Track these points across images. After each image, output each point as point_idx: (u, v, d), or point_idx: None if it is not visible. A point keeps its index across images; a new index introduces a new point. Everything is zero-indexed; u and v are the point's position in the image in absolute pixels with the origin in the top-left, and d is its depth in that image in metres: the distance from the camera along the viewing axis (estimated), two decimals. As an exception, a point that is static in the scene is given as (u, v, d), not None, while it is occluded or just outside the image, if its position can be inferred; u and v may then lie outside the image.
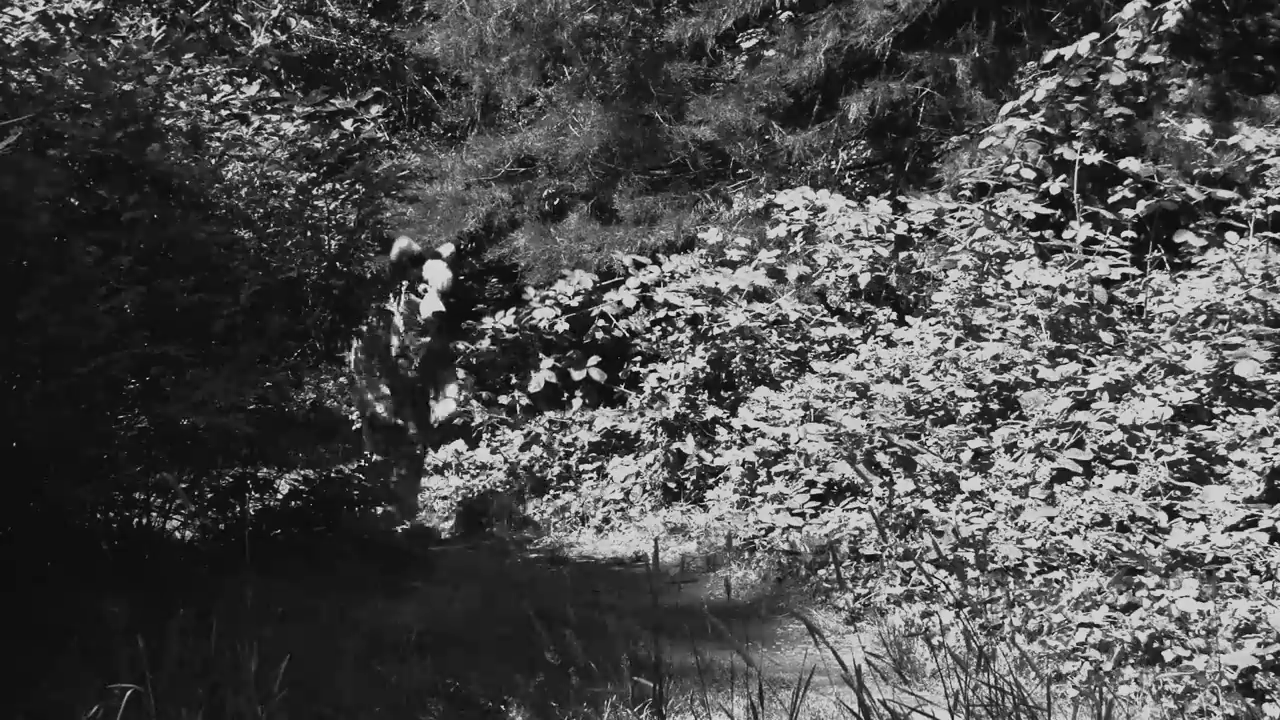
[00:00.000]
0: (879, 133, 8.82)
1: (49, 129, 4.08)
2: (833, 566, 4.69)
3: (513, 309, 7.78)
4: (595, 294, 7.54)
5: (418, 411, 6.43)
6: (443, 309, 6.22)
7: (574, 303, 7.30)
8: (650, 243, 8.05)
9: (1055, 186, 6.26)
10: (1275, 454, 4.33)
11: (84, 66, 4.26)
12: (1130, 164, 6.04)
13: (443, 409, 6.53)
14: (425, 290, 6.19)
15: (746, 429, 5.95)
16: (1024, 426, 5.01)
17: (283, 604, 3.88)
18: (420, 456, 6.64)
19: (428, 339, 6.32)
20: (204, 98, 4.92)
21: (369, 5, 12.73)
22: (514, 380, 7.64)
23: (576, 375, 7.15)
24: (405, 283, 6.19)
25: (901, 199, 7.09)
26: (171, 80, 4.72)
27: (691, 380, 6.44)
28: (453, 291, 6.48)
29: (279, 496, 4.90)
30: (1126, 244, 5.96)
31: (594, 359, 7.05)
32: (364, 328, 5.96)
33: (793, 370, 6.51)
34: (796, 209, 7.09)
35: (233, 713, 2.74)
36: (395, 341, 6.32)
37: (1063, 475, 4.64)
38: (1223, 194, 5.80)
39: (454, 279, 6.42)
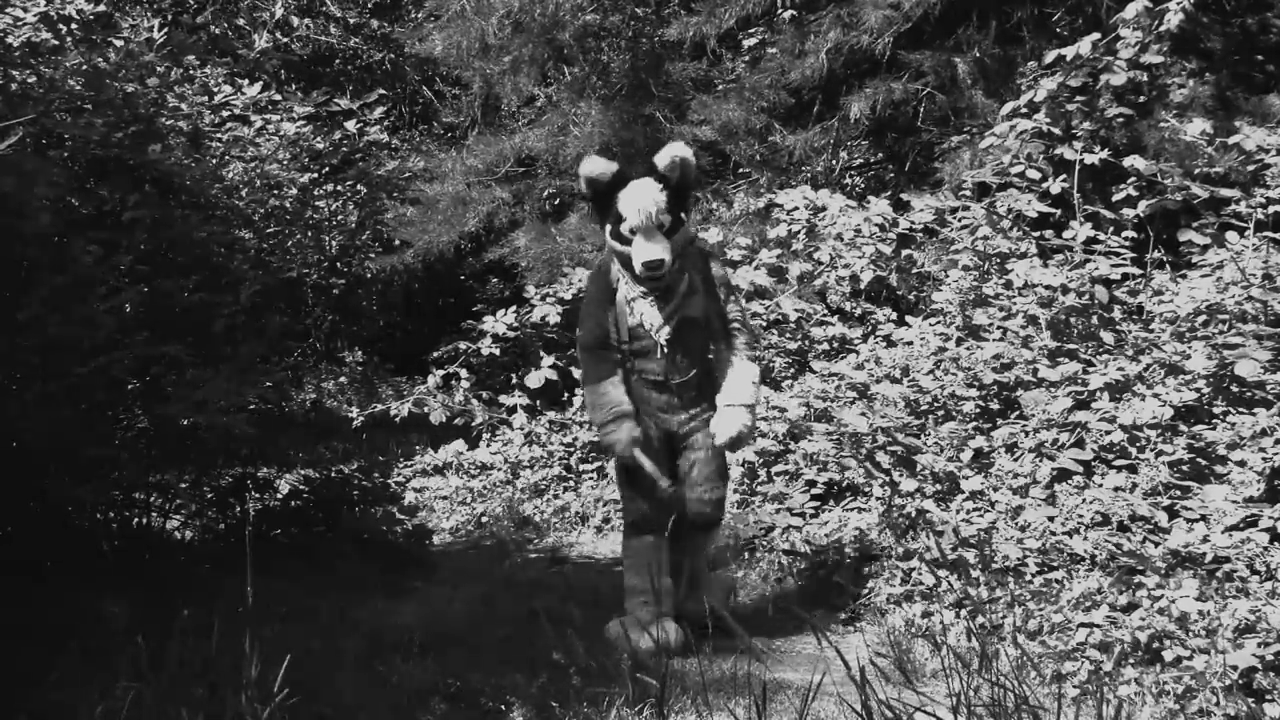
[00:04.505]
0: (880, 132, 8.83)
1: (50, 129, 4.10)
2: (833, 566, 4.69)
3: (514, 308, 7.78)
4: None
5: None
6: (660, 257, 3.87)
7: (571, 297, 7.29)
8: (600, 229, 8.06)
9: (1055, 186, 6.27)
10: (1275, 454, 4.32)
11: (85, 67, 4.27)
12: (1136, 162, 6.05)
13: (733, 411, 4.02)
14: (632, 231, 3.92)
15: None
16: (1024, 426, 5.01)
17: (283, 604, 3.89)
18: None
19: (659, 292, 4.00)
20: (205, 99, 4.94)
21: (369, 5, 12.75)
22: (514, 380, 7.64)
23: (578, 374, 7.13)
24: (609, 226, 4.00)
25: (904, 197, 7.11)
26: (173, 81, 4.73)
27: (692, 380, 6.43)
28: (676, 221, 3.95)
29: (279, 496, 4.90)
30: (1127, 244, 5.96)
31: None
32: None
33: (793, 370, 6.51)
34: (797, 208, 7.10)
35: (233, 713, 2.75)
36: (625, 297, 4.04)
37: (1063, 475, 4.65)
38: (1227, 192, 5.80)
39: (673, 200, 3.92)
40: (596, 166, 3.99)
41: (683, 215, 3.97)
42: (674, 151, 3.94)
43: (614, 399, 3.98)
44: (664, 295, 3.97)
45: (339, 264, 5.31)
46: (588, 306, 4.16)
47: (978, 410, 5.35)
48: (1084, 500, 4.42)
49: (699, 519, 4.03)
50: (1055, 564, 4.19)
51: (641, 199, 3.89)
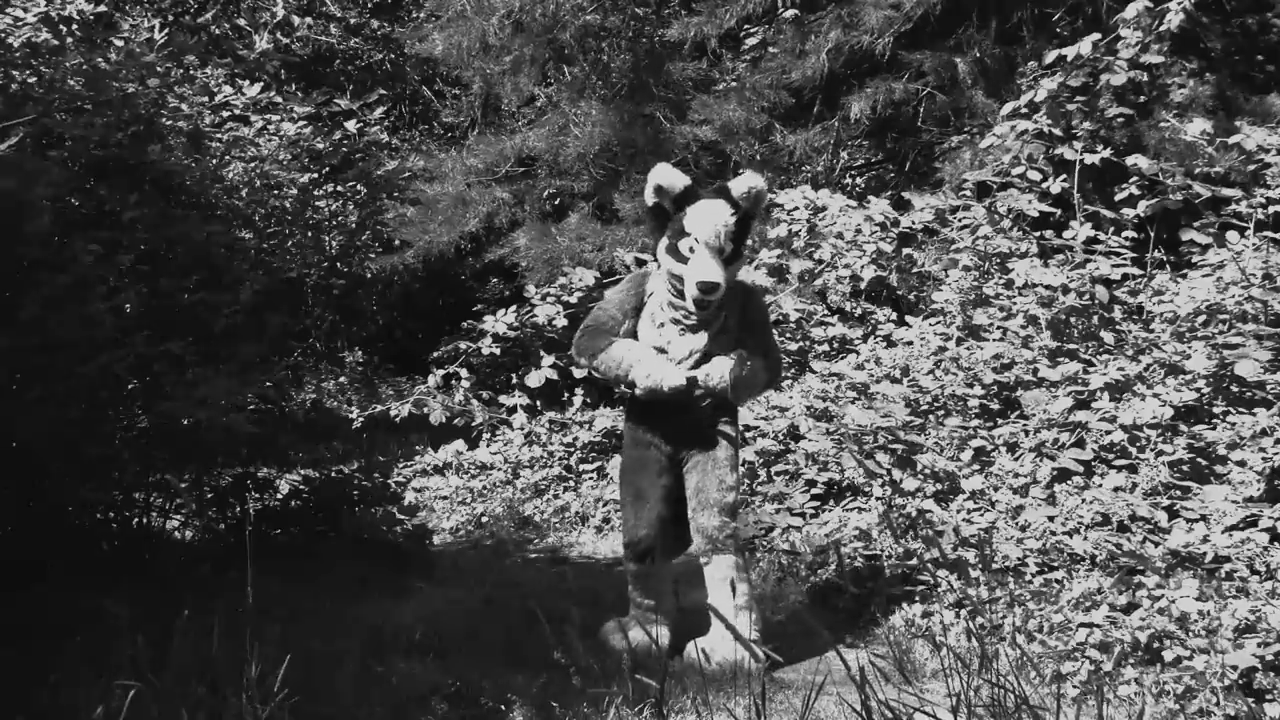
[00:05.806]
0: (880, 132, 8.85)
1: (50, 129, 4.10)
2: (833, 566, 4.69)
3: (514, 307, 7.78)
4: (597, 291, 7.55)
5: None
6: (717, 280, 3.75)
7: (575, 299, 7.30)
8: (652, 242, 8.07)
9: (1056, 186, 6.27)
10: (1275, 454, 4.33)
11: (85, 67, 4.27)
12: (1139, 161, 6.05)
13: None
14: (692, 249, 3.80)
15: (747, 428, 5.95)
16: (1025, 426, 5.01)
17: (283, 604, 3.89)
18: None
19: (692, 324, 3.88)
20: (205, 99, 4.94)
21: (369, 5, 12.76)
22: (514, 380, 7.65)
23: (578, 373, 7.13)
24: (665, 240, 3.88)
25: (905, 196, 7.12)
26: (173, 81, 4.73)
27: (692, 379, 6.43)
28: (738, 247, 3.87)
29: (279, 496, 4.90)
30: (1128, 244, 5.97)
31: (596, 357, 7.05)
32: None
33: (793, 370, 6.51)
34: (797, 208, 7.11)
35: (234, 713, 2.75)
36: (653, 316, 3.97)
37: (1063, 475, 4.65)
38: (1228, 192, 5.80)
39: (739, 229, 3.84)
40: (670, 176, 3.88)
41: (741, 249, 3.90)
42: (751, 181, 3.86)
43: (627, 346, 3.91)
44: (695, 328, 3.88)
45: (339, 264, 5.30)
46: (606, 304, 4.08)
47: (978, 410, 5.35)
48: (1084, 500, 4.42)
49: (698, 543, 3.88)
50: (1055, 564, 4.20)
51: (715, 218, 3.78)
